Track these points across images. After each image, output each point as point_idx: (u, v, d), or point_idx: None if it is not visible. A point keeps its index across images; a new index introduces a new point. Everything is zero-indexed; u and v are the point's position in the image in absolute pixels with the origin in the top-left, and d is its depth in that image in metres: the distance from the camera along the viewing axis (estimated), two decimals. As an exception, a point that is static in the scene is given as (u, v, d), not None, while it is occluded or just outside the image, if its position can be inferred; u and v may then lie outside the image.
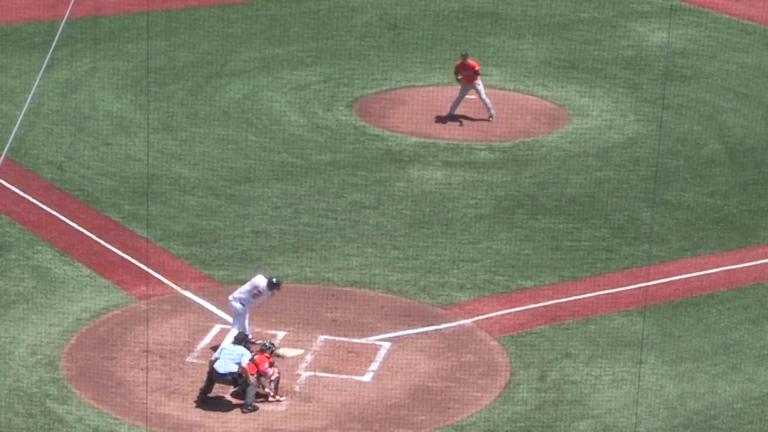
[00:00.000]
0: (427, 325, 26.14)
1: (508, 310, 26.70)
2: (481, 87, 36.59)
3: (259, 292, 24.41)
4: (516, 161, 34.29)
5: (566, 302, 27.04)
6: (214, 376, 23.18)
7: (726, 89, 39.32)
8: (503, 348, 25.38)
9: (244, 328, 24.28)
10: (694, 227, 30.63)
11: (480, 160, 34.32)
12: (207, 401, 23.19)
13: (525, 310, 26.83)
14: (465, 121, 36.67)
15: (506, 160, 34.33)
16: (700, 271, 28.63)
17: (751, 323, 26.55)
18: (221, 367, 23.05)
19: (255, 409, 23.05)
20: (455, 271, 28.21)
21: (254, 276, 24.68)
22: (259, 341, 23.84)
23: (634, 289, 27.58)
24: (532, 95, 38.93)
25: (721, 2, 47.25)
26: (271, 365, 23.28)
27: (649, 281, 27.81)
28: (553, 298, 27.28)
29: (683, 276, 28.36)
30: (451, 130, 36.23)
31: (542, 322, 26.36)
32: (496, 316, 26.43)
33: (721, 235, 30.30)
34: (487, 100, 36.65)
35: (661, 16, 45.60)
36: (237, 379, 23.11)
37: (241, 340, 23.54)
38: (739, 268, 28.83)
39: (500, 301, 26.81)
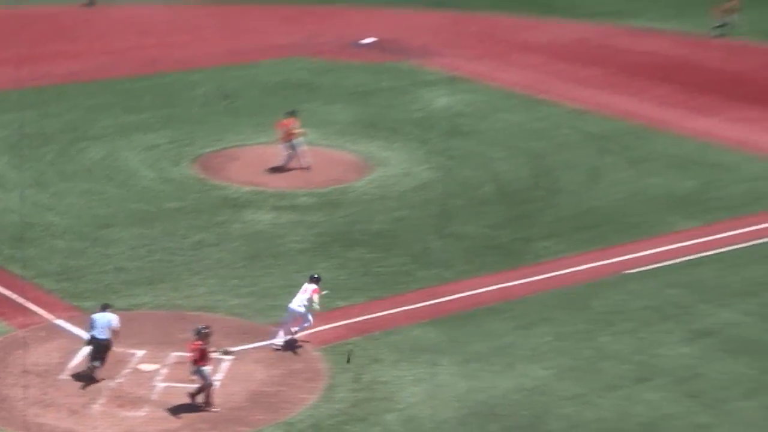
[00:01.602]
0: (262, 341, 26.01)
1: (327, 326, 26.69)
2: (298, 142, 36.62)
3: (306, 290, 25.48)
4: (331, 204, 34.39)
5: (375, 317, 27.16)
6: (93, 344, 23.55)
7: (496, 142, 39.97)
8: (324, 357, 25.38)
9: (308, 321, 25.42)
10: (475, 253, 31.02)
11: (301, 204, 34.33)
12: (78, 412, 22.73)
13: (341, 325, 26.86)
14: (288, 172, 36.66)
15: (323, 203, 34.40)
16: (480, 288, 28.98)
17: (521, 329, 26.97)
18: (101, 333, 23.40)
19: (93, 369, 23.48)
20: (284, 295, 28.12)
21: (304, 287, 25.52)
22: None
23: (428, 304, 27.82)
24: (342, 150, 39.11)
25: (490, 73, 48.13)
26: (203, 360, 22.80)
27: (439, 298, 28.12)
28: (363, 314, 27.37)
29: (467, 293, 28.67)
30: (277, 179, 36.18)
31: (355, 334, 26.42)
32: (318, 331, 26.41)
33: (495, 259, 30.74)
34: (303, 154, 36.68)
35: (443, 85, 46.23)
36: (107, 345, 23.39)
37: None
38: (510, 285, 29.28)
39: (321, 318, 26.81)
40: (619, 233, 32.35)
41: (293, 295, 25.80)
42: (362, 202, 34.51)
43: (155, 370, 24.40)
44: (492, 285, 29.11)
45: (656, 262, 30.52)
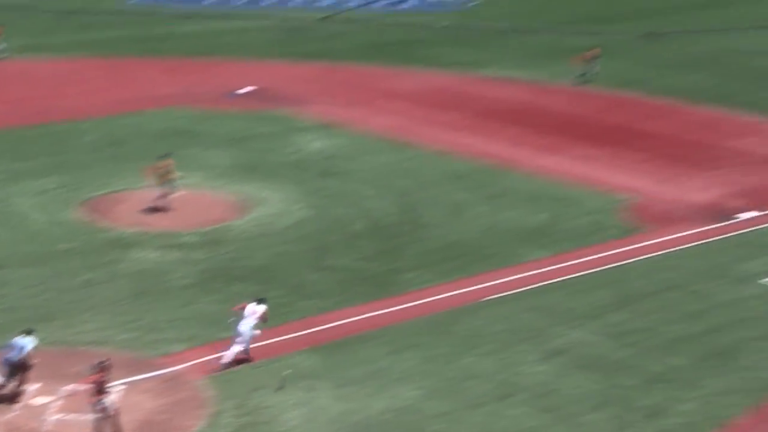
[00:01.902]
0: (151, 372, 25.47)
1: (212, 356, 26.28)
2: (171, 184, 36.15)
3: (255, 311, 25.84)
4: (213, 242, 33.97)
5: (257, 347, 26.79)
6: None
7: (366, 182, 40.06)
8: (210, 385, 24.97)
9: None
10: (349, 285, 30.94)
11: (185, 243, 33.84)
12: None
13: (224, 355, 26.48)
14: (172, 212, 36.16)
15: (206, 242, 33.97)
16: (354, 317, 28.89)
17: (392, 354, 26.95)
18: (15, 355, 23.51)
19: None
20: (170, 329, 27.66)
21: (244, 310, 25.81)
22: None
23: (307, 333, 27.62)
24: (223, 192, 38.74)
25: (359, 118, 48.30)
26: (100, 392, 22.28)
27: (317, 327, 27.94)
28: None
29: (342, 322, 28.55)
30: (161, 220, 35.63)
31: (239, 363, 26.05)
32: (203, 361, 25.98)
33: (367, 290, 30.71)
34: (174, 196, 36.24)
35: (317, 130, 46.27)
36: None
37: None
38: (381, 313, 29.26)
39: (206, 349, 26.39)
40: (478, 263, 32.60)
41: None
42: (243, 240, 34.18)
43: (48, 403, 23.69)
44: (365, 314, 29.04)
45: (512, 289, 30.83)
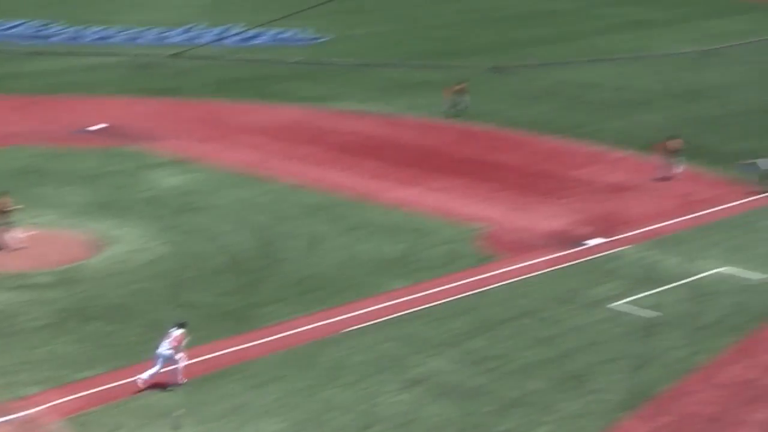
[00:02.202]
0: (4, 416, 24.71)
1: (69, 398, 25.68)
2: (11, 222, 35.39)
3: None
4: (67, 281, 33.25)
5: (115, 386, 26.33)
6: None
7: (224, 217, 39.81)
8: (66, 428, 24.37)
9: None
10: (209, 320, 30.66)
11: (38, 283, 33.04)
12: None
13: (83, 395, 25.90)
14: (25, 252, 35.26)
15: (59, 281, 33.22)
16: (216, 352, 28.65)
17: (254, 388, 26.81)
18: None
19: None
20: (24, 371, 26.93)
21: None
22: None
23: (167, 370, 27.21)
24: (77, 230, 37.95)
25: (215, 153, 47.97)
26: None
27: (177, 364, 27.57)
28: (104, 384, 26.49)
29: (203, 357, 28.23)
30: (12, 260, 34.71)
31: (98, 404, 25.54)
32: (60, 402, 25.37)
33: (228, 325, 30.49)
34: (15, 236, 35.41)
35: (172, 166, 45.79)
36: None
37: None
38: (243, 348, 29.09)
39: (61, 391, 25.78)
40: (338, 295, 32.72)
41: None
42: (98, 278, 33.55)
43: None
44: (226, 349, 28.81)
45: (372, 320, 31.03)
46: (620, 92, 58.94)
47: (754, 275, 34.83)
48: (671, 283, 34.10)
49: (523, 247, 37.28)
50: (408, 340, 29.79)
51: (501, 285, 33.88)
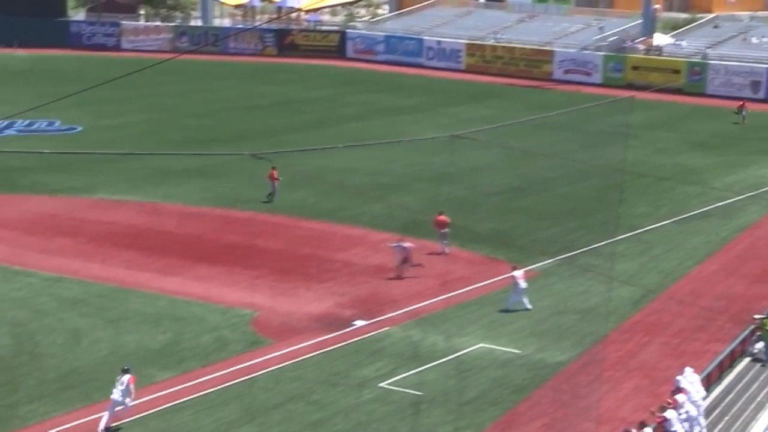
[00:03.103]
0: None
1: None
2: None
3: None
4: None
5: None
6: None
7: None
8: None
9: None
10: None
11: None
12: None
13: None
14: None
15: None
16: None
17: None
18: None
19: None
20: None
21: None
22: None
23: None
24: None
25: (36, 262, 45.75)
26: None
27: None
28: None
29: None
30: None
31: None
32: None
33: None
34: None
35: None
36: None
37: None
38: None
39: None
40: (101, 390, 31.55)
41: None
42: None
43: None
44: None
45: (140, 413, 30.05)
46: (376, 177, 60.23)
47: (510, 350, 35.95)
48: (435, 361, 34.79)
49: (290, 331, 37.21)
50: (177, 431, 28.96)
51: (270, 370, 33.67)
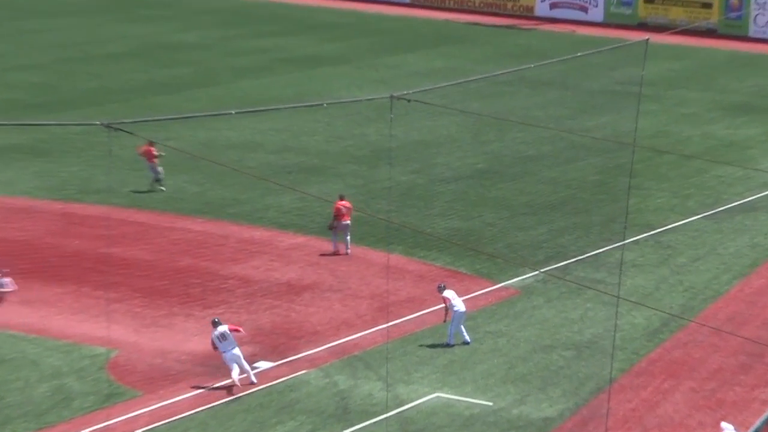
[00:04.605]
0: None
1: None
2: None
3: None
4: None
5: None
6: None
7: None
8: None
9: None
10: None
11: None
12: None
13: None
14: None
15: None
16: None
17: None
18: None
19: None
20: None
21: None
22: None
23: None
24: None
25: None
26: None
27: None
28: None
29: None
30: None
31: None
32: None
33: None
34: None
35: None
36: None
37: None
38: None
39: None
40: None
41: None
42: None
43: None
44: None
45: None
46: (285, 155, 60.12)
47: (477, 401, 36.20)
48: (372, 418, 34.91)
49: (162, 378, 37.19)
50: None
51: (136, 433, 33.61)
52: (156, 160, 54.01)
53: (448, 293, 40.20)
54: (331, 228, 47.49)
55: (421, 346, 39.91)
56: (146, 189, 53.71)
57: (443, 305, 40.19)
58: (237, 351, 36.70)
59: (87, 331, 40.19)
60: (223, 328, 36.84)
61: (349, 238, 47.38)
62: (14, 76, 75.65)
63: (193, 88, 73.64)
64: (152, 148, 53.47)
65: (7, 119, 64.07)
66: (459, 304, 39.98)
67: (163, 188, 54.01)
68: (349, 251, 47.27)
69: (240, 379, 36.39)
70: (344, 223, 47.31)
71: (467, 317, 40.09)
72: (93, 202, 52.57)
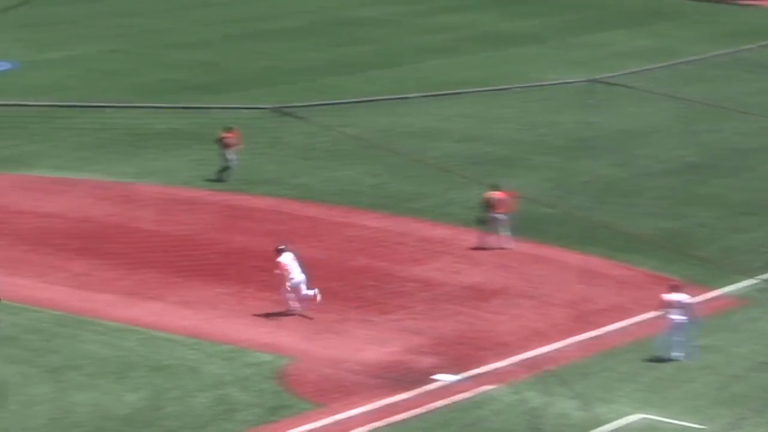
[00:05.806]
0: None
1: None
2: None
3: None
4: None
5: None
6: None
7: None
8: None
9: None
10: None
11: None
12: None
13: None
14: None
15: None
16: None
17: None
18: None
19: None
20: None
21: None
22: None
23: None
24: None
25: None
26: None
27: None
28: None
29: None
30: None
31: None
32: None
33: None
34: None
35: None
36: None
37: None
38: None
39: None
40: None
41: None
42: None
43: None
44: None
45: None
46: (472, 145, 60.15)
47: (686, 424, 35.80)
48: (566, 440, 34.78)
49: (334, 390, 37.34)
50: None
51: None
52: (230, 148, 54.31)
53: (676, 296, 39.38)
54: (483, 222, 47.39)
55: (623, 360, 39.61)
56: (319, 180, 54.06)
57: (661, 312, 39.49)
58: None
59: (252, 337, 40.61)
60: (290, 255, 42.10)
61: (506, 231, 47.22)
62: (175, 54, 76.82)
63: (370, 69, 74.03)
64: (230, 136, 54.02)
65: (167, 102, 65.18)
66: (679, 312, 39.24)
67: (225, 180, 54.15)
68: (509, 245, 47.22)
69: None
70: (499, 216, 47.14)
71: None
72: (260, 194, 53.14)
